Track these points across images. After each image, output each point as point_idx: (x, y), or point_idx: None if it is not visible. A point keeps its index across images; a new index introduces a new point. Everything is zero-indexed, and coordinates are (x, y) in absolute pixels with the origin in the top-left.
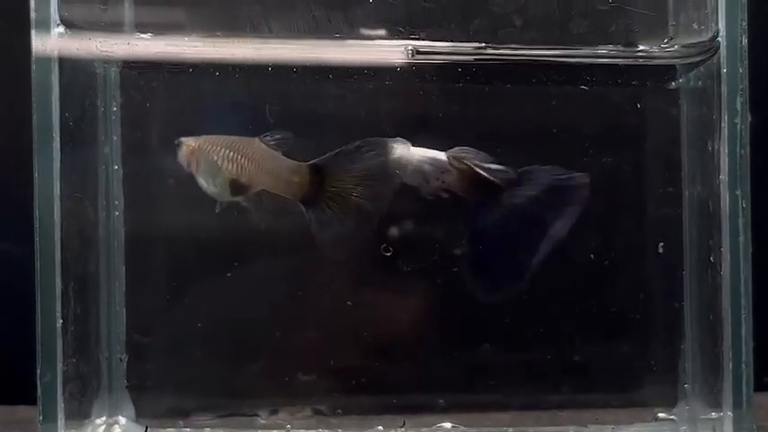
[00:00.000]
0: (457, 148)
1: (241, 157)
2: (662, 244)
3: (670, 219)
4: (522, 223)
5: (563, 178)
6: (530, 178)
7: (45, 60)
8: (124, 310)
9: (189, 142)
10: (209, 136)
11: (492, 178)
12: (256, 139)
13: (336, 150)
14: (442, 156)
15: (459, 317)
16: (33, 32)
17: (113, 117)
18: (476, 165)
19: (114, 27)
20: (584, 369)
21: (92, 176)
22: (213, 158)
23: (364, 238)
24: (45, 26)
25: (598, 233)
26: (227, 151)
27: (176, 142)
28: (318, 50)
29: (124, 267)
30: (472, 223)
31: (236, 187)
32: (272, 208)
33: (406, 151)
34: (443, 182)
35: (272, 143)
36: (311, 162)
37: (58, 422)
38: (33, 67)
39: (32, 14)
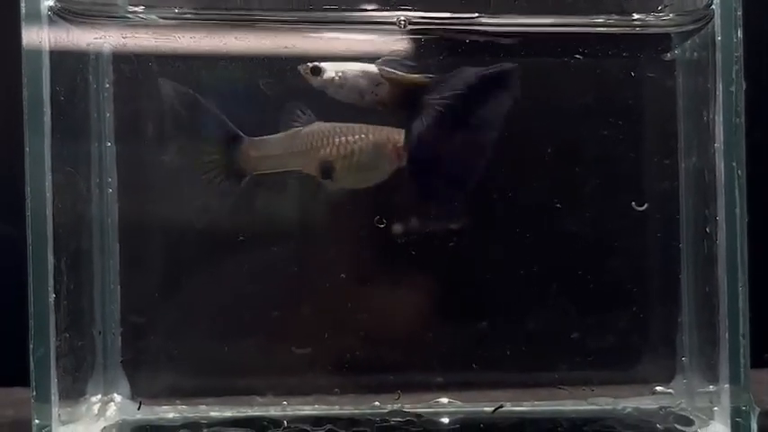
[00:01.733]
0: (384, 58)
1: None
2: (647, 204)
3: (666, 190)
4: (458, 124)
5: (490, 71)
6: (458, 78)
7: (35, 33)
8: (119, 288)
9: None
10: None
11: (421, 80)
12: None
13: None
14: (373, 68)
15: (456, 294)
16: (23, 5)
17: (105, 93)
18: (403, 72)
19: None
20: (582, 344)
21: (84, 153)
22: None
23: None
24: (35, 3)
25: (594, 206)
26: None
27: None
28: (310, 24)
29: (118, 245)
30: (409, 136)
31: None
32: None
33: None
34: (376, 95)
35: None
36: None
37: (51, 397)
38: (23, 41)
39: None
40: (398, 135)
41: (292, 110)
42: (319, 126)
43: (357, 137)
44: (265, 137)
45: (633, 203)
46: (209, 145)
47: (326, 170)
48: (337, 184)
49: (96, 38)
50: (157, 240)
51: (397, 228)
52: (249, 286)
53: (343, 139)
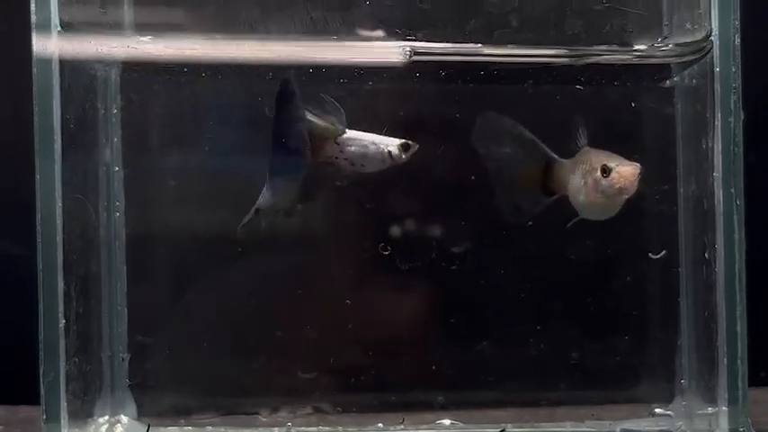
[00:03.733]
0: None
1: None
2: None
3: (665, 216)
4: None
5: None
6: None
7: (46, 62)
8: (126, 310)
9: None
10: None
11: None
12: None
13: None
14: None
15: (458, 315)
16: (34, 35)
17: (113, 119)
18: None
19: (114, 29)
20: (582, 366)
21: (92, 178)
22: None
23: None
24: (45, 29)
25: (594, 231)
26: None
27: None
28: (316, 52)
29: (125, 267)
30: None
31: None
32: None
33: None
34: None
35: None
36: None
37: (61, 421)
38: (34, 69)
39: (33, 17)
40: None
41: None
42: (585, 151)
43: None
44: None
45: (650, 254)
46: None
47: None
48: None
49: (104, 64)
50: (164, 262)
51: (401, 250)
52: (252, 310)
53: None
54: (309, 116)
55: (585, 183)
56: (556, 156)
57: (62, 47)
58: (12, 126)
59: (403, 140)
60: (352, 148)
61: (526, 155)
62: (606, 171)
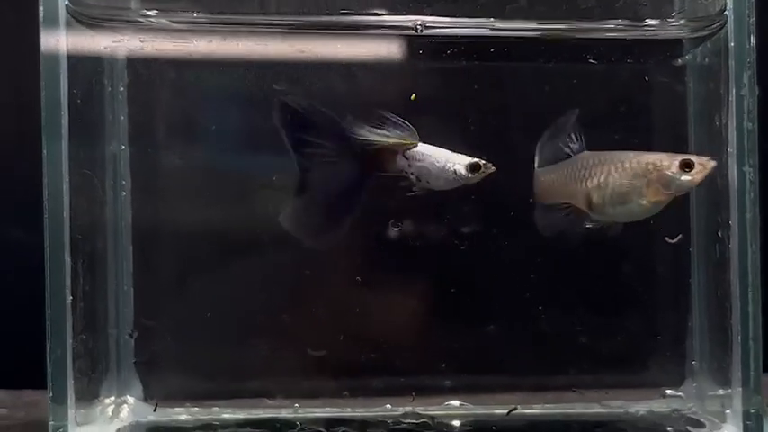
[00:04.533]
0: None
1: None
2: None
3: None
4: None
5: None
6: None
7: (53, 37)
8: (132, 290)
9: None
10: None
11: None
12: None
13: None
14: None
15: (466, 297)
16: (41, 10)
17: (120, 97)
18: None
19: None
20: (593, 347)
21: (99, 156)
22: None
23: None
24: (53, 7)
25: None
26: None
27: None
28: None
29: (131, 247)
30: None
31: None
32: None
33: None
34: None
35: None
36: None
37: (68, 399)
38: (42, 45)
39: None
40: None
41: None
42: (585, 155)
43: (613, 167)
44: (551, 166)
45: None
46: None
47: (588, 202)
48: (601, 217)
49: (112, 41)
50: (170, 243)
51: (409, 231)
52: (259, 291)
53: (600, 169)
54: (374, 132)
55: (645, 183)
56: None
57: (69, 22)
58: (16, 112)
59: (473, 160)
60: (420, 164)
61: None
62: (689, 166)
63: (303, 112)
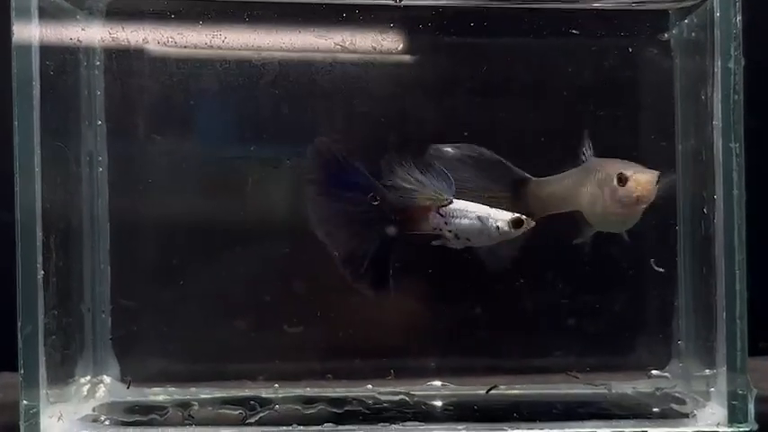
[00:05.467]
0: None
1: None
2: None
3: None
4: None
5: None
6: None
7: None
8: (109, 269)
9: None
10: None
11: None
12: None
13: None
14: None
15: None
16: None
17: (96, 71)
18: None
19: None
20: (576, 327)
21: (74, 130)
22: None
23: None
24: None
25: None
26: None
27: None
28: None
29: (108, 225)
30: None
31: None
32: None
33: None
34: None
35: None
36: None
37: (40, 376)
38: (12, 13)
39: None
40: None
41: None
42: (593, 163)
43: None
44: (550, 177)
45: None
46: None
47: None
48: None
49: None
50: (149, 223)
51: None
52: (240, 272)
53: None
54: (409, 184)
55: (602, 193)
56: (527, 174)
57: None
58: None
59: (515, 216)
60: (458, 221)
61: (491, 179)
62: (622, 180)
63: (341, 160)
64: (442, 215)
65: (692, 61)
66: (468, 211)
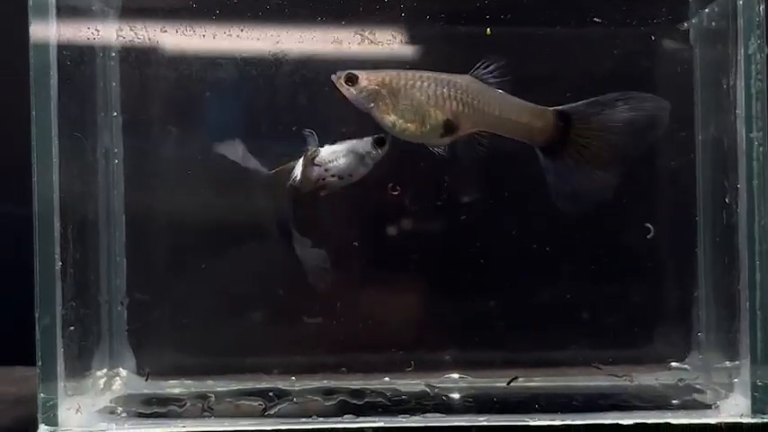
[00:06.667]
0: None
1: (463, 95)
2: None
3: (682, 162)
4: None
5: None
6: None
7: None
8: (125, 260)
9: (370, 76)
10: (396, 71)
11: None
12: (468, 77)
13: (590, 100)
14: None
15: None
16: None
17: (111, 63)
18: None
19: None
20: (595, 319)
21: (90, 122)
22: (418, 95)
23: (603, 197)
24: None
25: None
26: (442, 88)
27: (341, 75)
28: None
29: (124, 217)
30: None
31: (449, 128)
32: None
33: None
34: None
35: (488, 77)
36: (559, 108)
37: (57, 367)
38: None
39: None
40: None
41: None
42: None
43: None
44: None
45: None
46: None
47: None
48: None
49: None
50: (164, 216)
51: (409, 201)
52: (254, 266)
53: None
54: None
55: None
56: None
57: None
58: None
59: (375, 136)
60: (334, 163)
61: None
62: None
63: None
64: (319, 165)
65: (712, 50)
66: (337, 151)
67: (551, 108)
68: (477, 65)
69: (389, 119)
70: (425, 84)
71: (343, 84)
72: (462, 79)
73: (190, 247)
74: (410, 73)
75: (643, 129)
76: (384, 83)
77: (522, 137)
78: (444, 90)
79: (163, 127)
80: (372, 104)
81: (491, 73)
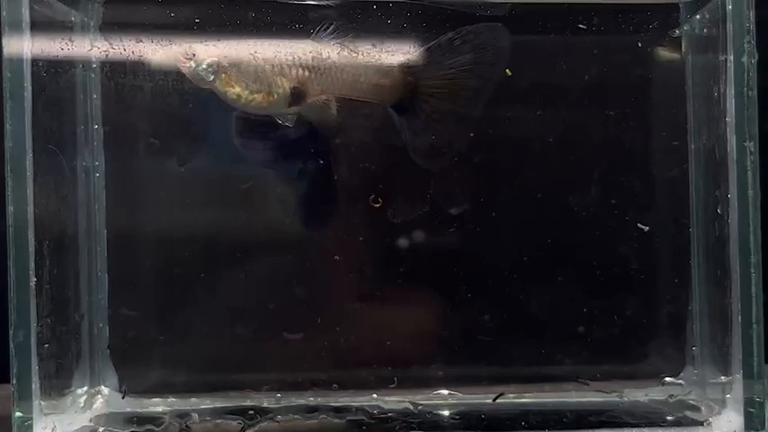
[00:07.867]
0: None
1: (308, 60)
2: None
3: (677, 172)
4: None
5: None
6: None
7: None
8: (106, 276)
9: (209, 49)
10: (236, 41)
11: None
12: (310, 41)
13: (427, 45)
14: None
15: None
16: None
17: (93, 75)
18: None
19: None
20: (588, 332)
21: (69, 135)
22: (262, 64)
23: (460, 146)
24: None
25: (601, 189)
26: (285, 56)
27: (187, 55)
28: None
29: (105, 231)
30: None
31: (297, 96)
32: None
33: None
34: None
35: (330, 38)
36: (404, 61)
37: (33, 385)
38: (4, 17)
39: None
40: None
41: None
42: None
43: None
44: None
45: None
46: None
47: None
48: None
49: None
50: (147, 226)
51: (396, 214)
52: (241, 280)
53: None
54: None
55: None
56: None
57: None
58: None
59: None
60: None
61: None
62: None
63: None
64: None
65: (703, 57)
66: None
67: (397, 63)
68: (318, 27)
69: (234, 91)
70: (268, 52)
71: (181, 58)
72: (305, 44)
73: (173, 261)
74: (251, 41)
75: (489, 64)
76: (224, 54)
77: (374, 98)
78: (288, 57)
79: (145, 140)
80: (213, 76)
81: (332, 34)
